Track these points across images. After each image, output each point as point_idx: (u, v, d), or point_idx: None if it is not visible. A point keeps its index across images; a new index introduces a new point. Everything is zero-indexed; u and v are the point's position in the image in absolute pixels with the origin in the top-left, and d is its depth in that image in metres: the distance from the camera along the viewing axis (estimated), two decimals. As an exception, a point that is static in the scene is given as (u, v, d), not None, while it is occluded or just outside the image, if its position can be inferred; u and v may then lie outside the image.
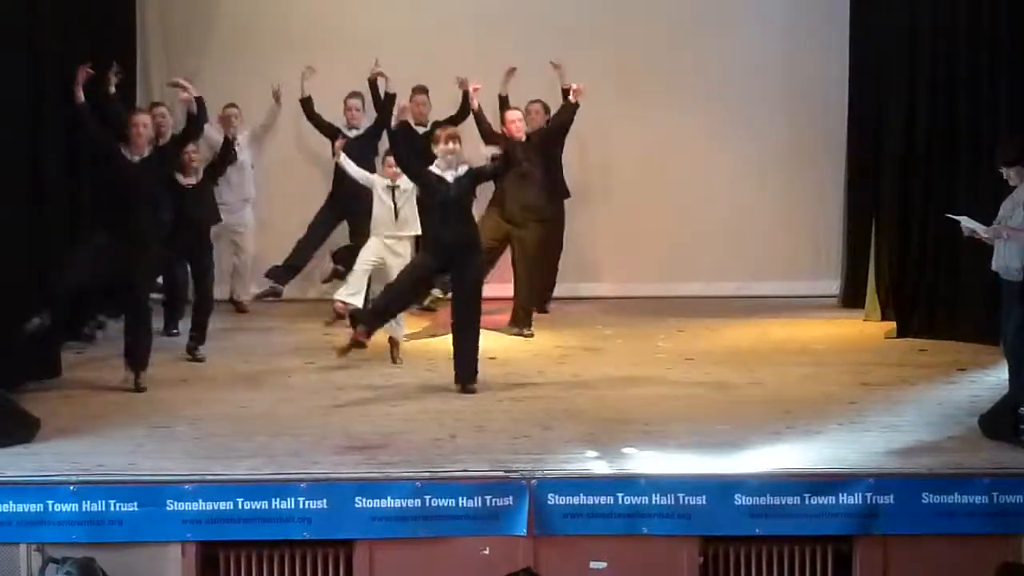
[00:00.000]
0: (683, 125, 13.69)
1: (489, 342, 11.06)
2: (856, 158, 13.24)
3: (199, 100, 10.42)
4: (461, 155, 10.38)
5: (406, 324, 11.48)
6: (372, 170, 11.95)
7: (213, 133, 12.33)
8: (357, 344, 10.28)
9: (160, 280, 11.82)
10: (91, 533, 8.19)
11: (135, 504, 8.23)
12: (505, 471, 8.43)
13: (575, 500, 8.32)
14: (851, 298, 13.27)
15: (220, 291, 12.46)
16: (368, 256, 11.38)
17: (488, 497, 8.31)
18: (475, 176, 10.46)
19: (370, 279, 11.46)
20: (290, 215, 13.19)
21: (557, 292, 13.48)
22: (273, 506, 8.27)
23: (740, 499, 8.35)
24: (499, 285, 12.18)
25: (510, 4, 13.61)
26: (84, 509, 8.22)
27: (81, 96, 10.08)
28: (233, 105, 12.83)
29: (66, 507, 8.21)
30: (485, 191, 11.78)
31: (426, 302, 12.67)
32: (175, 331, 11.97)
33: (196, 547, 8.27)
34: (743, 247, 13.71)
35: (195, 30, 13.56)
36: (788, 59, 13.69)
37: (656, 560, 8.34)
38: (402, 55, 12.88)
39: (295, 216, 13.04)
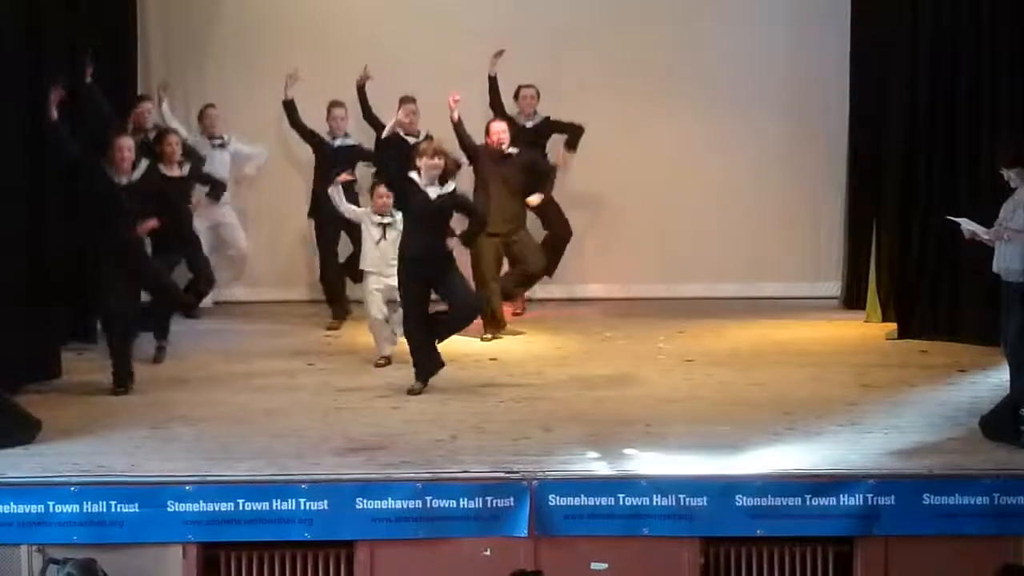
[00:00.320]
0: (684, 126, 13.67)
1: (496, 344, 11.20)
2: (857, 159, 13.23)
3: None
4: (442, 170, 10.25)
5: None
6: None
7: (196, 140, 12.56)
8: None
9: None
10: (92, 534, 8.20)
11: (136, 505, 8.24)
12: (506, 472, 8.43)
13: (576, 501, 8.33)
14: (852, 299, 13.27)
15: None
16: (374, 311, 11.07)
17: (489, 498, 8.32)
18: (460, 204, 10.47)
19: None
20: (274, 218, 13.46)
21: (558, 294, 13.51)
22: (274, 507, 8.28)
23: (741, 500, 8.35)
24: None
25: (508, 5, 13.58)
26: (85, 510, 8.23)
27: (55, 114, 10.00)
28: (212, 106, 12.87)
29: (67, 508, 8.23)
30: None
31: None
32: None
33: (197, 548, 8.27)
34: (744, 248, 13.70)
35: (195, 30, 13.55)
36: (789, 59, 13.67)
37: (657, 561, 8.34)
38: (401, 59, 12.89)
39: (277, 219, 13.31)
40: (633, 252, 13.71)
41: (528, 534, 8.29)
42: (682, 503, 8.33)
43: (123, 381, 10.26)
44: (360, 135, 12.69)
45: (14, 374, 9.85)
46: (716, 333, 12.31)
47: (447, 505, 8.32)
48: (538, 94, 12.71)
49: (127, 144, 10.40)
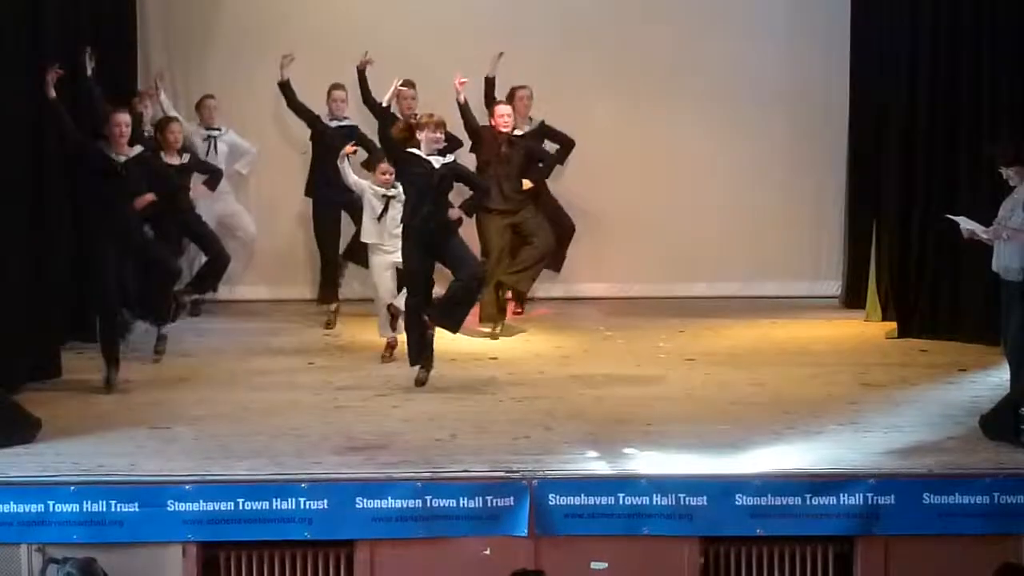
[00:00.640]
0: (684, 125, 13.66)
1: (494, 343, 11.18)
2: (857, 158, 13.23)
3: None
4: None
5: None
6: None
7: (192, 130, 12.56)
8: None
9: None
10: (92, 533, 8.20)
11: (136, 504, 8.24)
12: (506, 471, 8.43)
13: (576, 500, 8.33)
14: (852, 298, 13.26)
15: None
16: (383, 291, 11.18)
17: (489, 497, 8.32)
18: (461, 175, 10.58)
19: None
20: (274, 218, 13.45)
21: (558, 293, 13.50)
22: (274, 506, 8.28)
23: (741, 499, 8.35)
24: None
25: (509, 4, 13.58)
26: (85, 509, 8.23)
27: (52, 92, 9.96)
28: (210, 96, 12.86)
29: (67, 507, 8.23)
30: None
31: None
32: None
33: (197, 547, 8.27)
34: (744, 247, 13.69)
35: (196, 25, 13.54)
36: (789, 59, 13.66)
37: (657, 560, 8.34)
38: (400, 54, 12.84)
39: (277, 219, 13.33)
40: (633, 252, 13.70)
41: (528, 533, 8.29)
42: (682, 502, 8.33)
43: (109, 365, 10.25)
44: (359, 121, 12.65)
45: (14, 374, 9.85)
46: (716, 333, 12.32)
47: (447, 504, 8.32)
48: (532, 95, 12.67)
49: (124, 119, 10.39)
